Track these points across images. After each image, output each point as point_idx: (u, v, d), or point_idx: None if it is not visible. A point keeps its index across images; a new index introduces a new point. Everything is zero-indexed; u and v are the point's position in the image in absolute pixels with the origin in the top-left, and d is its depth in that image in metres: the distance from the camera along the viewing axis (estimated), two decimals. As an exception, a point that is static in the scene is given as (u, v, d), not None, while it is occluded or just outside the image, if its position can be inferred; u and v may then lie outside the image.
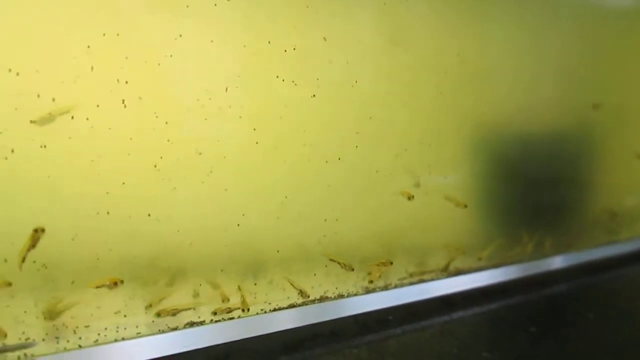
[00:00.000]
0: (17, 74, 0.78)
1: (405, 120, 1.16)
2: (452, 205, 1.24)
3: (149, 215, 0.90)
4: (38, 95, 0.80)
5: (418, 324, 1.15)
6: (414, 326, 1.14)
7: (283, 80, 1.00)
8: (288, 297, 1.06)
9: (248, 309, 0.99)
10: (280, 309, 1.05)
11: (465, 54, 1.22)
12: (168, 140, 0.91)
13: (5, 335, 0.81)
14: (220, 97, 0.94)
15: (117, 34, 0.85)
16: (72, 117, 0.83)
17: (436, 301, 1.24)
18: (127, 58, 0.86)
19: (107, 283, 0.87)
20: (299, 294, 1.07)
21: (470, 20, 1.23)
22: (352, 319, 1.13)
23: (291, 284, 1.06)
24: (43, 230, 0.81)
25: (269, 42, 0.98)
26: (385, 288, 1.17)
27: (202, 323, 0.97)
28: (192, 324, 0.96)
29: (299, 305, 1.06)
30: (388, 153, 1.15)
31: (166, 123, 0.90)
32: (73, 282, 0.86)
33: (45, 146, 0.81)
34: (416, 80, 1.17)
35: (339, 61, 1.06)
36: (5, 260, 0.81)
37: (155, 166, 0.90)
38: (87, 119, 0.84)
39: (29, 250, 0.80)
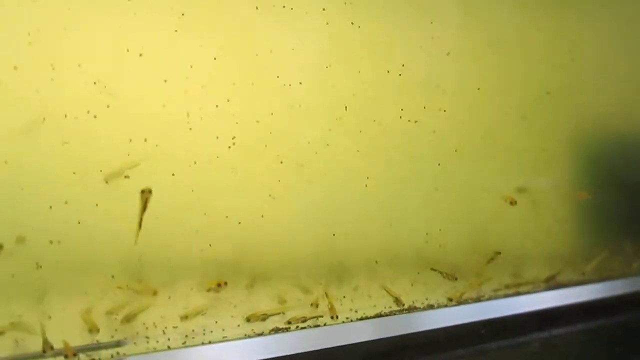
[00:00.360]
0: (97, 116, 0.79)
1: (509, 125, 1.12)
2: (551, 214, 1.16)
3: (239, 223, 0.90)
4: (130, 140, 0.81)
5: (513, 340, 1.07)
6: (509, 342, 1.06)
7: (401, 109, 1.00)
8: (374, 306, 1.02)
9: (337, 317, 0.96)
10: (366, 318, 1.01)
11: (576, 51, 1.16)
12: (278, 157, 0.92)
13: (98, 331, 0.82)
14: (329, 120, 0.95)
15: (214, 58, 0.85)
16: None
17: (534, 316, 1.14)
18: (234, 83, 0.87)
19: (214, 286, 0.87)
20: (394, 301, 1.03)
21: (583, 15, 1.18)
22: (442, 332, 1.06)
23: (387, 291, 1.02)
24: (150, 191, 0.81)
25: (388, 72, 0.99)
26: (478, 300, 1.10)
27: (287, 329, 0.94)
28: (277, 330, 0.94)
29: (386, 315, 1.02)
30: (490, 161, 1.11)
31: (280, 155, 0.92)
32: (163, 283, 0.86)
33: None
34: (524, 83, 1.12)
35: (458, 74, 1.05)
36: (113, 277, 0.83)
37: (265, 186, 0.91)
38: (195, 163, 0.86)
39: (142, 213, 0.81)
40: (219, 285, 0.86)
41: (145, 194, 0.81)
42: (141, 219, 0.81)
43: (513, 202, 1.09)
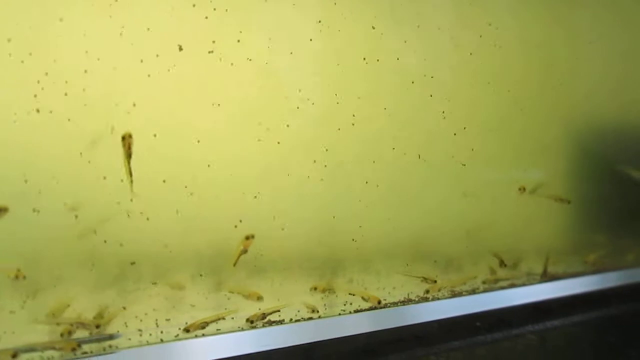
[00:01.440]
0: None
1: (508, 120, 1.12)
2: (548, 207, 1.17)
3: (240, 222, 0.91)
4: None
5: (509, 332, 1.07)
6: (505, 334, 1.06)
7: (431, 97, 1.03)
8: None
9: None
10: (361, 310, 1.00)
11: (575, 44, 1.17)
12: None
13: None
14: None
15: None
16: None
17: (529, 308, 1.14)
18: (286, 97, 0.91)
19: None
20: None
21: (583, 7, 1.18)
22: (437, 324, 1.06)
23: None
24: (130, 136, 0.79)
25: (431, 77, 1.03)
26: (473, 292, 1.10)
27: (281, 322, 0.94)
28: (270, 323, 0.93)
29: (382, 308, 1.01)
30: (493, 157, 1.11)
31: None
32: (154, 276, 0.86)
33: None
34: (521, 78, 1.12)
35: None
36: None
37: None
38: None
39: (128, 159, 0.80)
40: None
41: (127, 139, 0.79)
42: (129, 167, 0.79)
43: (522, 189, 1.12)
